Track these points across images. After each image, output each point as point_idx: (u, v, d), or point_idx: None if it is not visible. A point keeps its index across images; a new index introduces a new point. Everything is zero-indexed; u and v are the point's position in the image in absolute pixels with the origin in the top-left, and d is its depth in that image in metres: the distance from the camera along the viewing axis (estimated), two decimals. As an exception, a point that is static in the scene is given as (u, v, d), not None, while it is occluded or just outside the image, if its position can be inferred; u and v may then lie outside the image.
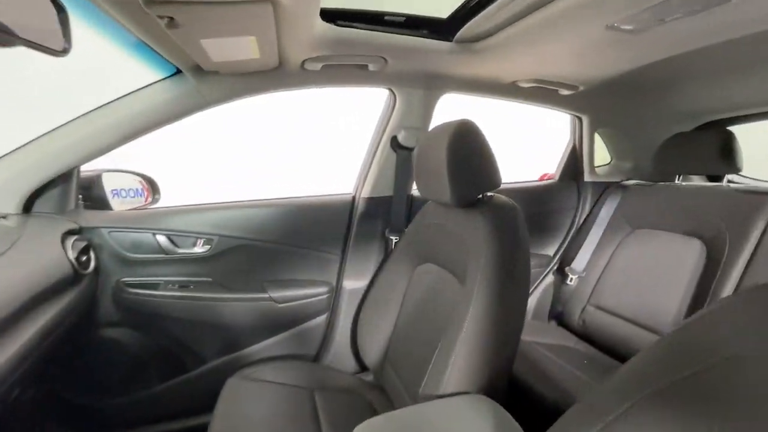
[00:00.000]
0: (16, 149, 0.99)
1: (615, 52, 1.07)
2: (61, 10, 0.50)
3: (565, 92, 1.36)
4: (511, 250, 0.86)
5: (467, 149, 0.91)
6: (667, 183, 1.53)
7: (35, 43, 0.46)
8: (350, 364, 1.42)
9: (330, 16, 0.90)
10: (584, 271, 1.61)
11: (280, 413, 1.02)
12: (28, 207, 1.06)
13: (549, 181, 1.79)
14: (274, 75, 1.07)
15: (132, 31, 0.75)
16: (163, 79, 1.03)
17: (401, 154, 1.34)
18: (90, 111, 1.02)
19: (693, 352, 0.39)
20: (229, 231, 1.27)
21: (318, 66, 1.04)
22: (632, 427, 0.39)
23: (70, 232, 1.06)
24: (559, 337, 1.54)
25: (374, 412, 1.08)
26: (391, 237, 1.39)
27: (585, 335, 1.54)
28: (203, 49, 0.83)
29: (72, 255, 1.01)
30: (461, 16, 0.97)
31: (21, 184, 1.01)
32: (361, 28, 0.94)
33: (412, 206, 1.44)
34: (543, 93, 1.39)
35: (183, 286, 1.24)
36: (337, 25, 0.91)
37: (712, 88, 1.40)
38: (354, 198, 1.41)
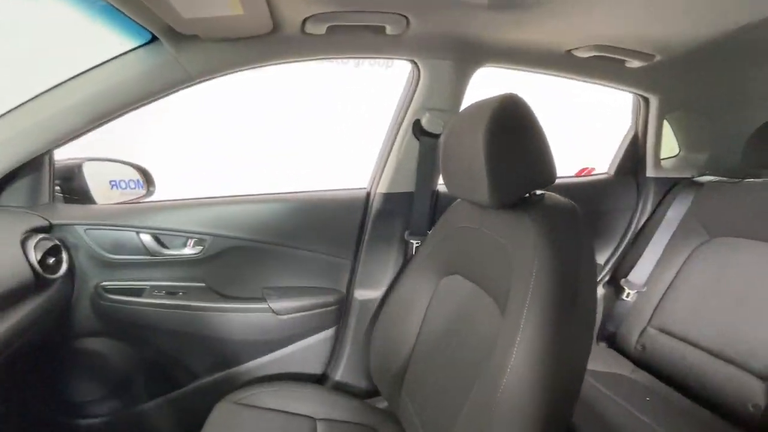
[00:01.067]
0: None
1: (708, 7, 0.80)
2: None
3: (635, 64, 1.08)
4: (572, 266, 0.64)
5: (512, 134, 0.69)
6: (759, 180, 1.23)
7: None
8: (360, 386, 1.23)
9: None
10: (645, 286, 1.34)
11: None
12: (-8, 199, 0.92)
13: (600, 175, 1.51)
14: (268, 42, 0.87)
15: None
16: (137, 48, 0.86)
17: (425, 141, 1.12)
18: (54, 86, 0.86)
19: None
20: (225, 230, 1.10)
21: (322, 28, 0.84)
22: None
23: (35, 230, 0.91)
24: (611, 364, 1.29)
25: None
26: (412, 240, 1.18)
27: (644, 363, 1.28)
28: (170, 2, 0.65)
29: (35, 257, 0.86)
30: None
31: (-23, 173, 0.86)
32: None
33: (438, 204, 1.22)
34: (605, 65, 1.12)
35: (171, 292, 1.08)
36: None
37: None
38: (369, 194, 1.21)
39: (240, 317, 1.12)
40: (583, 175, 1.61)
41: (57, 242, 0.94)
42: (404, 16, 0.83)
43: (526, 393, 0.59)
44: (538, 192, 0.75)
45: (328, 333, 1.22)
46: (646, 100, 1.35)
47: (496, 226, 0.77)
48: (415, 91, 1.09)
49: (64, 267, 0.95)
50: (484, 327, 0.74)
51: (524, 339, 0.60)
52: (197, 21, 0.73)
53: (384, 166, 1.18)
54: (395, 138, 1.15)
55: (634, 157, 1.45)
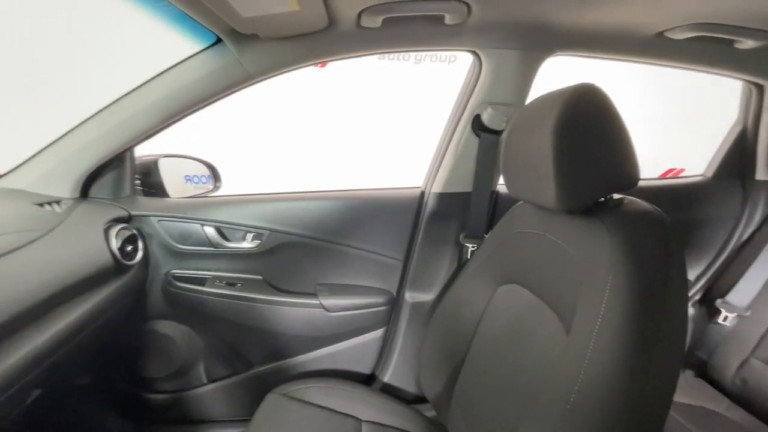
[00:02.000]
0: (65, 134, 0.95)
1: None
2: None
3: (747, 44, 0.90)
4: (656, 284, 0.54)
5: (586, 130, 0.60)
6: None
7: None
8: (408, 390, 1.20)
9: (391, -56, 0.65)
10: (749, 309, 1.13)
11: None
12: (85, 192, 1.03)
13: (695, 178, 1.30)
14: (324, 38, 0.86)
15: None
16: (203, 50, 0.90)
17: (485, 138, 1.04)
18: (130, 91, 0.94)
19: None
20: (281, 225, 1.13)
21: (378, 21, 0.80)
22: None
23: (117, 220, 1.00)
24: (700, 397, 1.11)
25: None
26: (467, 244, 1.11)
27: (743, 400, 1.09)
28: (231, 6, 0.66)
29: (115, 244, 0.95)
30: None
31: (71, 168, 0.97)
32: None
33: (497, 206, 1.13)
34: (707, 47, 0.95)
35: (230, 283, 1.13)
36: (401, -45, 0.66)
37: None
38: (423, 193, 1.16)
39: (292, 311, 1.14)
40: (669, 177, 1.40)
41: (134, 231, 1.03)
42: (465, 3, 0.77)
43: (590, 418, 0.51)
44: (616, 196, 0.66)
45: (377, 333, 1.20)
46: (760, 88, 1.13)
47: (563, 232, 0.68)
48: (476, 84, 1.01)
49: (139, 254, 1.04)
50: (544, 343, 0.66)
51: (592, 364, 0.52)
52: (255, 19, 0.74)
53: (440, 165, 1.13)
54: (453, 134, 1.09)
55: (740, 156, 1.22)
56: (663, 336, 0.53)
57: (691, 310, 1.29)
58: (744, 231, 1.25)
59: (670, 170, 1.50)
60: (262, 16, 0.72)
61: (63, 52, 2.73)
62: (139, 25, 0.84)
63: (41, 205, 0.91)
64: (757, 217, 1.22)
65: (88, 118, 0.95)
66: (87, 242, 0.89)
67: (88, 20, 2.71)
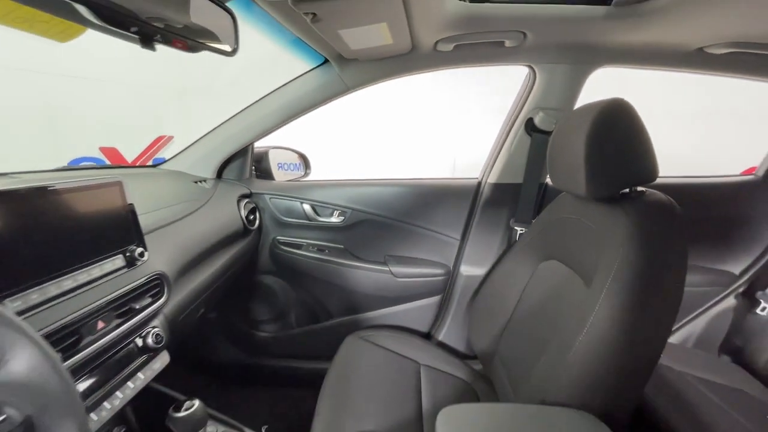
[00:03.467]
0: (211, 131, 1.30)
1: None
2: (231, 16, 0.63)
3: None
4: (658, 254, 0.71)
5: (613, 134, 0.77)
6: None
7: (212, 47, 0.59)
8: (460, 348, 1.42)
9: (465, -8, 0.86)
10: (788, 301, 1.20)
11: (387, 377, 1.10)
12: (219, 174, 1.38)
13: (746, 177, 1.36)
14: (407, 58, 1.10)
15: (286, 27, 0.88)
16: (313, 69, 1.18)
17: (537, 138, 1.22)
18: (260, 99, 1.25)
19: None
20: (361, 205, 1.40)
21: (450, 46, 1.03)
22: None
23: (243, 196, 1.34)
24: (732, 378, 1.21)
25: (477, 401, 1.07)
26: (516, 227, 1.30)
27: None
28: (342, 39, 0.92)
29: (243, 214, 1.28)
30: (625, -27, 0.80)
31: (214, 156, 1.32)
32: (497, 2, 0.88)
33: (545, 196, 1.31)
34: (746, 59, 1.05)
35: (320, 249, 1.44)
36: (471, 1, 0.87)
37: None
38: (480, 183, 1.37)
39: (367, 275, 1.42)
40: (742, 175, 1.44)
41: (254, 205, 1.36)
42: (522, 32, 0.96)
43: (599, 351, 0.69)
44: (640, 188, 0.82)
45: (435, 299, 1.44)
46: (812, 94, 1.18)
47: (593, 217, 0.86)
48: (530, 92, 1.20)
49: (257, 223, 1.37)
50: (571, 301, 0.84)
51: (602, 306, 0.69)
52: (359, 50, 0.99)
53: (495, 159, 1.32)
54: (508, 134, 1.28)
55: (793, 158, 1.27)
56: (661, 295, 0.70)
57: (733, 301, 1.36)
58: (793, 230, 1.30)
59: (752, 168, 1.50)
60: (364, 48, 0.98)
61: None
62: (270, 50, 1.13)
63: (196, 182, 1.26)
64: (809, 217, 1.27)
65: (228, 119, 1.29)
66: (228, 211, 1.23)
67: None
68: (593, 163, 0.77)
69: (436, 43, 1.01)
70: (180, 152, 1.33)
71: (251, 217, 1.33)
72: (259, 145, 1.50)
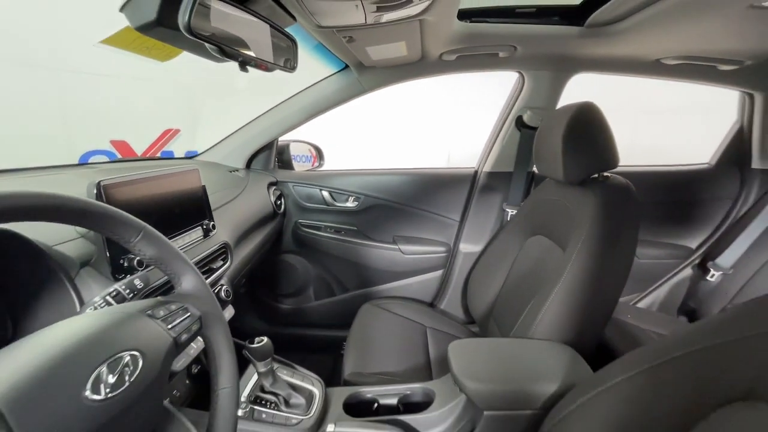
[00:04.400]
0: (243, 126, 1.48)
1: None
2: (292, 41, 0.82)
3: (725, 67, 1.22)
4: (616, 226, 0.92)
5: (584, 130, 0.98)
6: None
7: (280, 66, 0.78)
8: (459, 315, 1.64)
9: (466, 15, 1.06)
10: (731, 268, 1.44)
11: (399, 336, 1.31)
12: (248, 165, 1.57)
13: (702, 165, 1.60)
14: (416, 66, 1.30)
15: (321, 42, 1.06)
16: (334, 73, 1.37)
17: (525, 133, 1.44)
18: (287, 99, 1.44)
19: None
20: (372, 192, 1.60)
21: (453, 57, 1.23)
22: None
23: (271, 184, 1.53)
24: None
25: None
26: (508, 209, 1.52)
27: None
28: (367, 53, 1.11)
29: (272, 199, 1.47)
30: (594, 1, 1.01)
31: (246, 149, 1.50)
32: (493, 22, 1.08)
33: (532, 182, 1.52)
34: (696, 69, 1.27)
35: (337, 230, 1.64)
36: (472, 22, 1.07)
37: None
38: (476, 172, 1.58)
39: (378, 252, 1.63)
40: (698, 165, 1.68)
41: (280, 192, 1.55)
42: (513, 46, 1.17)
43: (570, 298, 0.90)
44: (605, 174, 1.03)
45: (437, 273, 1.65)
46: (751, 96, 1.41)
47: (569, 197, 1.07)
48: (519, 93, 1.41)
49: (282, 207, 1.57)
50: (551, 266, 1.06)
51: (573, 265, 0.91)
52: (378, 60, 1.19)
53: (489, 151, 1.54)
54: (500, 130, 1.49)
55: (738, 149, 1.51)
56: (617, 255, 0.92)
57: (690, 271, 1.61)
58: (740, 210, 1.53)
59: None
60: (383, 59, 1.17)
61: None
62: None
63: (231, 171, 1.44)
64: (752, 199, 1.50)
65: (259, 116, 1.47)
66: (260, 197, 1.42)
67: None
68: (569, 154, 0.98)
69: (442, 54, 1.21)
70: (213, 146, 1.51)
71: (278, 202, 1.52)
72: (281, 139, 1.69)
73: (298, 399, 0.89)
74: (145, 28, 0.59)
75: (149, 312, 0.47)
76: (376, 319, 1.41)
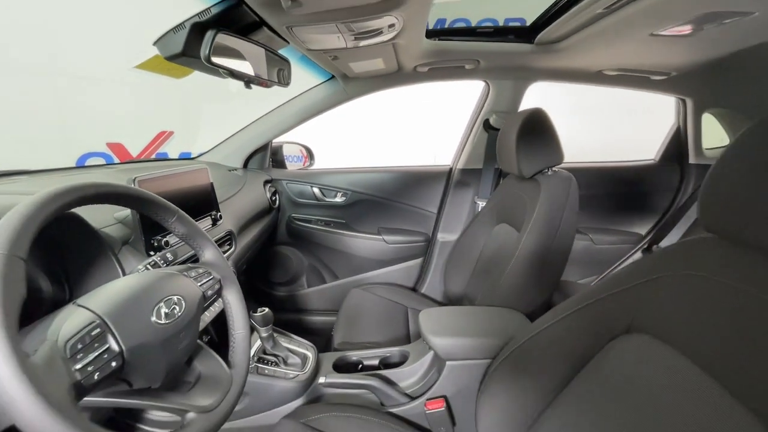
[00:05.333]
0: (241, 129, 1.65)
1: (705, 41, 1.14)
2: (286, 62, 0.99)
3: (657, 77, 1.42)
4: (558, 211, 1.11)
5: (533, 132, 1.17)
6: None
7: (276, 82, 0.96)
8: (437, 298, 1.83)
9: (434, 33, 1.25)
10: (672, 251, 1.65)
11: (383, 315, 1.49)
12: (246, 164, 1.73)
13: (647, 161, 1.81)
14: (394, 76, 1.48)
15: (310, 57, 1.23)
16: (322, 83, 1.55)
17: (492, 134, 1.63)
18: (280, 105, 1.61)
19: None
20: (359, 188, 1.78)
21: (426, 69, 1.41)
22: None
23: (267, 181, 1.70)
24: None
25: None
26: (479, 202, 1.71)
27: None
28: (350, 67, 1.29)
29: (268, 195, 1.64)
30: (541, 23, 1.21)
31: (243, 150, 1.67)
32: (457, 40, 1.27)
33: (500, 178, 1.72)
34: (633, 79, 1.48)
35: (326, 223, 1.81)
36: (440, 40, 1.26)
37: None
38: (451, 169, 1.77)
39: (364, 242, 1.80)
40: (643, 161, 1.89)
41: (275, 188, 1.72)
42: (476, 60, 1.36)
43: (521, 272, 1.09)
44: (555, 168, 1.22)
45: (418, 261, 1.84)
46: (684, 101, 1.63)
47: (526, 189, 1.26)
48: (485, 99, 1.60)
49: (277, 203, 1.73)
50: (510, 246, 1.25)
51: (524, 244, 1.09)
52: (360, 72, 1.37)
53: (462, 150, 1.73)
54: (471, 131, 1.68)
55: (677, 147, 1.72)
56: (561, 232, 1.11)
57: (639, 255, 1.82)
58: (681, 200, 1.75)
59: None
60: (364, 71, 1.35)
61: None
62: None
63: (230, 170, 1.61)
64: (690, 190, 1.72)
65: (255, 120, 1.64)
66: (258, 193, 1.59)
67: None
68: (522, 152, 1.17)
69: (415, 66, 1.40)
70: (213, 147, 1.67)
71: (273, 198, 1.69)
72: (275, 141, 1.85)
73: (294, 359, 1.07)
74: (172, 58, 0.76)
75: (185, 273, 0.64)
76: (363, 301, 1.58)
